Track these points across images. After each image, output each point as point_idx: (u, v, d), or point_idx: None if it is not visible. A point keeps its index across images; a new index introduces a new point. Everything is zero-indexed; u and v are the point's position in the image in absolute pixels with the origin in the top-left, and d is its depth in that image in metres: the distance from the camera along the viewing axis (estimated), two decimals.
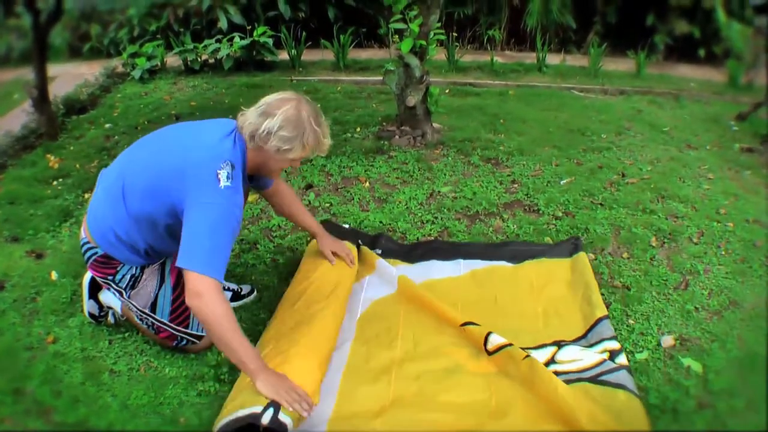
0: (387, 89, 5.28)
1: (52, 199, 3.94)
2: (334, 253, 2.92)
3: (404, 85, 4.47)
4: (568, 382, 2.28)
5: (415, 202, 3.78)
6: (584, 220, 3.52)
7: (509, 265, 3.12)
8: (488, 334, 2.50)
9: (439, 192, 3.89)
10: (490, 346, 2.47)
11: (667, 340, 2.59)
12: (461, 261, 3.15)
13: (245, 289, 2.96)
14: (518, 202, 3.77)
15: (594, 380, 2.30)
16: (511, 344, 2.44)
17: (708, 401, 2.28)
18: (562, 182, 3.98)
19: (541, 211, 3.65)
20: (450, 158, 4.36)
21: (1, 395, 2.37)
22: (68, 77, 6.75)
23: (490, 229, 3.50)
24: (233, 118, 2.37)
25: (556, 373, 2.33)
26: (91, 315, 2.75)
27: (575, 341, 2.57)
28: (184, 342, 2.57)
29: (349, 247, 3.02)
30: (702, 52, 7.12)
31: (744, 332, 2.64)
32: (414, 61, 4.32)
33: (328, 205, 3.78)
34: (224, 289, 2.89)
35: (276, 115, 2.22)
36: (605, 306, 2.74)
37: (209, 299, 2.08)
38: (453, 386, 2.35)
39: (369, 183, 4.03)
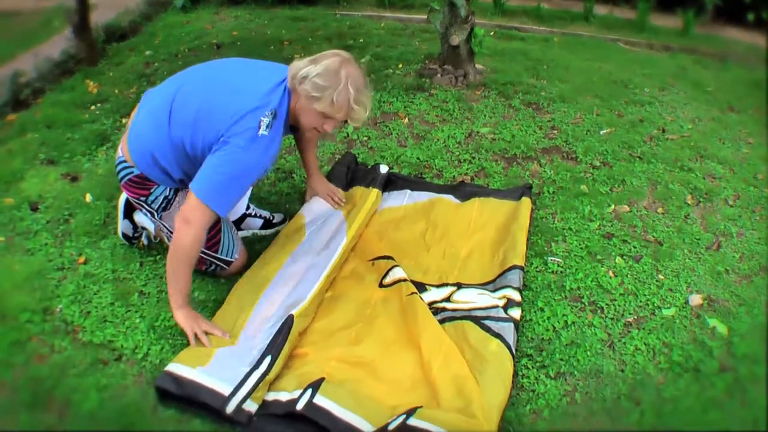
0: (431, 28, 5.23)
1: (89, 123, 3.96)
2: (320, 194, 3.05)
3: (449, 24, 4.43)
4: (453, 318, 2.39)
5: (453, 141, 3.79)
6: (621, 171, 3.52)
7: (455, 201, 3.17)
8: (392, 267, 2.60)
9: (477, 132, 3.89)
10: (388, 280, 2.57)
11: (695, 299, 2.62)
12: (408, 192, 3.23)
13: (277, 217, 3.02)
14: (557, 148, 3.77)
15: (477, 321, 2.37)
16: (405, 280, 2.53)
17: (730, 365, 2.31)
18: (601, 132, 3.96)
19: (579, 159, 3.65)
20: (491, 100, 4.33)
21: (31, 314, 2.43)
22: (110, 5, 6.63)
23: (527, 172, 3.51)
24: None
25: (446, 309, 2.45)
26: (125, 236, 2.79)
27: (481, 285, 2.62)
28: (214, 267, 2.62)
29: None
30: (751, 17, 6.95)
31: None
32: (459, 1, 4.27)
33: (366, 138, 3.80)
34: (256, 216, 2.96)
35: (320, 63, 2.27)
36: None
37: (193, 231, 2.24)
38: (326, 313, 2.49)
39: (408, 119, 4.03)
